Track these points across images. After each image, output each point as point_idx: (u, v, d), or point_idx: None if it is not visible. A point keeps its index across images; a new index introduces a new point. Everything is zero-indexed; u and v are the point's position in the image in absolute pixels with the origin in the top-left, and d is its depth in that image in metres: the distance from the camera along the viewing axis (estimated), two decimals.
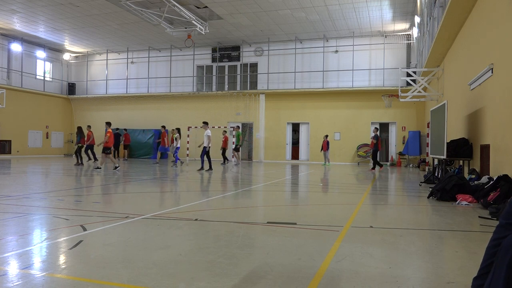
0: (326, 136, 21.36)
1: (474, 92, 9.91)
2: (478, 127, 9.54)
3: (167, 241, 4.10)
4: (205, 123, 15.11)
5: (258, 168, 18.39)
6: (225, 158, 20.32)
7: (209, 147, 14.77)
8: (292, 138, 25.47)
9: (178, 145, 17.84)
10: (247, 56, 25.80)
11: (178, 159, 18.15)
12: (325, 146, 21.04)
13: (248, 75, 26.00)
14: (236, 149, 19.69)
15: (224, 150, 20.08)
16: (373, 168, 17.26)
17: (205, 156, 14.85)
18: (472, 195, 7.25)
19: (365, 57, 23.59)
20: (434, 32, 13.26)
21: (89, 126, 18.51)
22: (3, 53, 25.08)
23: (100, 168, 14.45)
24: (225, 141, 20.22)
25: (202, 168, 14.97)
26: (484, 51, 9.10)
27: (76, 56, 29.77)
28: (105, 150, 14.13)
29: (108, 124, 14.93)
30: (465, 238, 4.58)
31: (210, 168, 14.81)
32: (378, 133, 17.35)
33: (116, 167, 14.10)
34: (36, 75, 27.39)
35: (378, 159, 17.33)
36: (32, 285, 2.75)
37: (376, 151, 17.06)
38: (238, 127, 20.48)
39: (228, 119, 25.70)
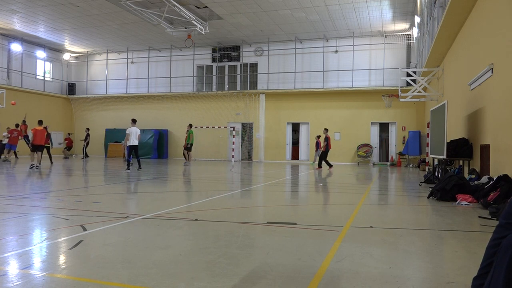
0: (318, 136, 21.59)
1: (474, 92, 9.91)
2: (478, 127, 9.54)
3: (167, 241, 4.10)
4: (133, 120, 14.83)
5: (258, 168, 18.40)
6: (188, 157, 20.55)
7: (129, 145, 14.35)
8: (292, 138, 25.47)
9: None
10: (247, 56, 25.80)
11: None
12: (316, 146, 21.49)
13: (248, 75, 26.00)
14: (188, 149, 19.14)
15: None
16: (330, 166, 18.17)
17: (130, 154, 14.52)
18: (472, 195, 7.25)
19: (365, 57, 23.59)
20: (434, 32, 13.25)
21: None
22: (3, 53, 25.07)
23: (38, 166, 14.47)
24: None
25: (138, 167, 14.61)
26: (484, 51, 9.10)
27: (76, 56, 29.77)
28: (35, 149, 14.59)
29: (23, 121, 15.03)
30: (465, 238, 4.57)
31: (128, 168, 14.33)
32: (327, 134, 18.38)
33: (32, 166, 14.31)
34: (36, 75, 27.39)
35: (327, 158, 18.35)
36: (32, 285, 2.75)
37: (327, 152, 18.08)
38: (190, 125, 19.49)
39: (228, 119, 25.70)
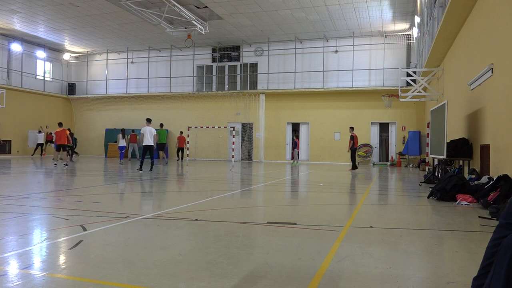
0: (297, 136, 22.28)
1: (474, 92, 9.91)
2: (478, 127, 9.54)
3: (167, 241, 4.10)
4: (148, 120, 14.54)
5: (258, 168, 18.39)
6: (179, 157, 22.61)
7: (144, 145, 14.00)
8: (292, 138, 25.49)
9: (123, 144, 19.93)
10: (247, 56, 25.80)
11: (122, 159, 20.11)
12: (293, 145, 21.96)
13: (248, 75, 26.00)
14: (161, 148, 18.94)
15: (179, 149, 22.41)
16: (354, 167, 17.44)
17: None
18: (472, 195, 7.25)
19: (365, 57, 23.59)
20: (434, 32, 13.25)
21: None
22: (3, 53, 25.07)
23: (57, 164, 16.02)
24: (181, 141, 22.44)
25: (143, 169, 14.13)
26: (484, 51, 9.10)
27: (76, 56, 29.77)
28: (58, 148, 16.54)
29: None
30: (465, 238, 4.58)
31: (140, 168, 14.00)
32: (353, 132, 17.63)
33: (66, 164, 15.89)
34: (36, 75, 27.39)
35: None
36: (32, 285, 2.75)
37: (354, 150, 17.43)
38: (161, 125, 19.70)
39: (228, 119, 25.70)
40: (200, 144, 26.23)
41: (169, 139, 26.88)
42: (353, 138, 17.31)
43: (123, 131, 20.37)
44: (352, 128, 17.94)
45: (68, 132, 17.94)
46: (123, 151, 20.16)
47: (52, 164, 15.83)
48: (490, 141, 8.40)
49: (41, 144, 25.14)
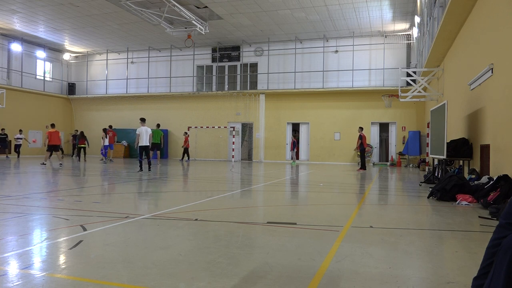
0: (294, 136, 22.50)
1: (474, 92, 9.91)
2: (478, 127, 9.54)
3: (167, 241, 4.10)
4: (142, 119, 14.06)
5: (258, 168, 18.39)
6: (183, 156, 23.76)
7: (140, 146, 13.69)
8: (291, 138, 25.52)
9: (106, 143, 20.88)
10: (247, 56, 25.80)
11: (106, 157, 21.12)
12: (292, 146, 22.07)
13: (248, 75, 26.00)
14: (158, 148, 18.73)
15: (185, 149, 23.49)
16: (362, 168, 17.34)
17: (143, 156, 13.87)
18: (472, 195, 7.25)
19: (365, 57, 23.59)
20: (434, 32, 13.26)
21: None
22: (3, 53, 25.07)
23: (45, 163, 16.69)
24: (186, 141, 23.48)
25: (143, 169, 13.82)
26: (484, 51, 9.09)
27: (76, 56, 29.77)
28: (50, 149, 16.99)
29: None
30: (465, 238, 4.57)
31: (141, 169, 13.68)
32: (362, 132, 17.43)
33: (44, 164, 16.68)
34: (36, 75, 27.39)
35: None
36: (32, 285, 2.75)
37: (363, 151, 17.34)
38: (158, 125, 19.62)
39: (228, 119, 25.71)
40: (200, 144, 26.23)
41: (170, 139, 26.95)
42: (362, 138, 17.20)
43: (105, 130, 21.15)
44: (361, 128, 17.75)
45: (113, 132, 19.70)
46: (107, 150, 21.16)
47: (55, 165, 16.19)
48: (490, 141, 8.40)
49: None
